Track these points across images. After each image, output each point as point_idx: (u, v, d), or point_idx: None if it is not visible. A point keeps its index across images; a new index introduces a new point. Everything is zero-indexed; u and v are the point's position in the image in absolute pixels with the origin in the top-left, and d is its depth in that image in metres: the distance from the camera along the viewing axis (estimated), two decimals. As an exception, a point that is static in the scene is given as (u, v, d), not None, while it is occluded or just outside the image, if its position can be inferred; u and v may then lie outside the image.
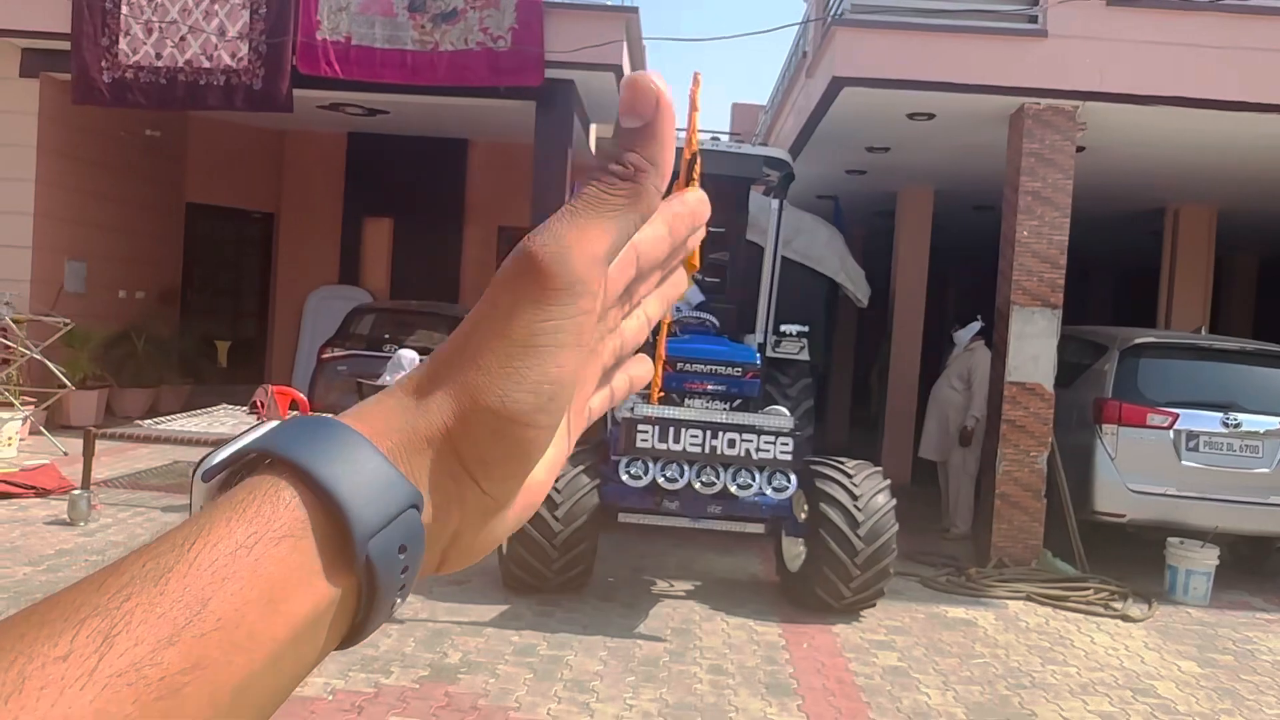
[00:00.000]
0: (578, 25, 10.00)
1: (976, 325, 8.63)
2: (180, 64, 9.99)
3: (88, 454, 7.39)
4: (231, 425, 8.29)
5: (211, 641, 0.36)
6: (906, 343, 11.33)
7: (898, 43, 7.23)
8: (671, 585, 6.37)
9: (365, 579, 0.41)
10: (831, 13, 7.55)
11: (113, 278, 12.17)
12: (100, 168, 11.80)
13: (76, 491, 6.94)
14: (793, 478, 5.44)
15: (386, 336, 10.93)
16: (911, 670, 5.18)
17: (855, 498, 5.53)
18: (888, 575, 5.69)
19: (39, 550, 6.10)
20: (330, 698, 4.24)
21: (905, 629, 5.82)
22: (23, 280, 10.65)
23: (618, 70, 10.21)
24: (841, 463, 5.76)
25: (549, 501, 5.36)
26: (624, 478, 5.41)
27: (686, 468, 5.41)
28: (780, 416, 5.73)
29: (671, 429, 5.35)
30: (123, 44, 10.06)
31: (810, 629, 5.64)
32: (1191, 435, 7.29)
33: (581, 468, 5.52)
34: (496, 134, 13.45)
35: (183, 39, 10.01)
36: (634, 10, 10.05)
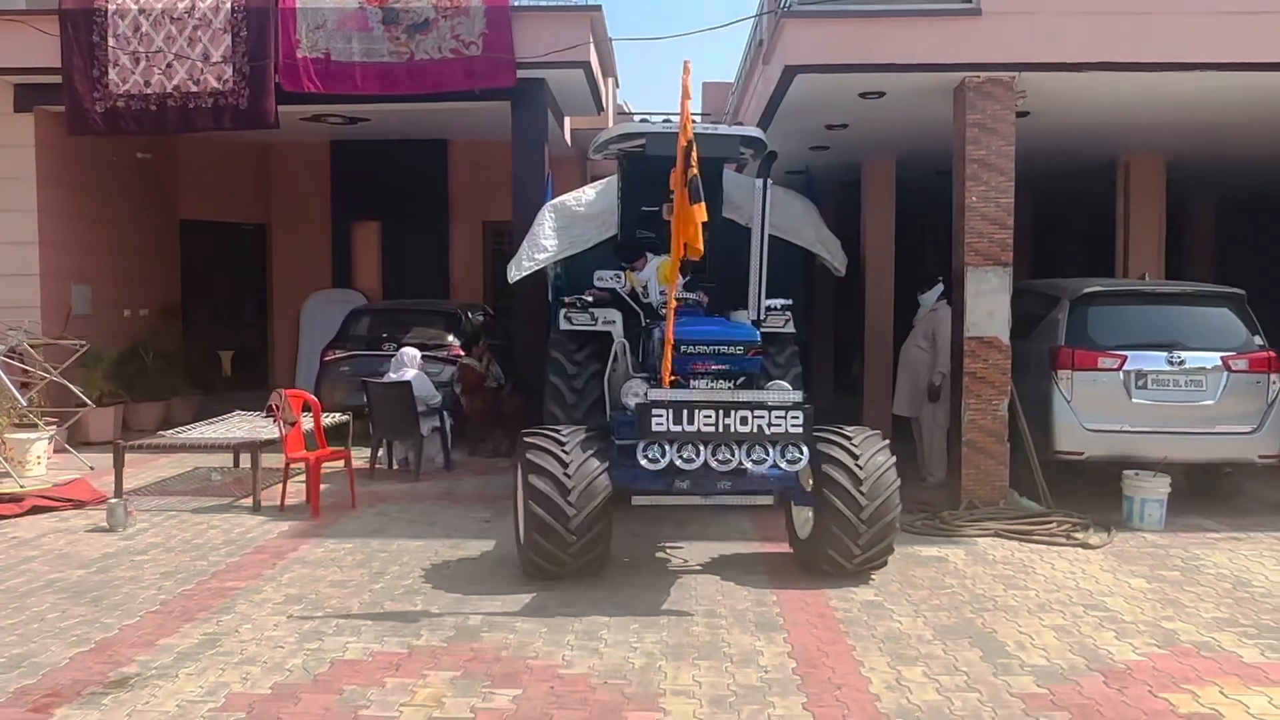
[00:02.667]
0: (545, 26, 10.48)
1: (940, 287, 9.19)
2: (169, 90, 10.45)
3: (118, 466, 7.93)
4: (247, 430, 8.83)
5: None
6: (879, 308, 11.89)
7: (843, 30, 7.74)
8: (670, 549, 6.92)
9: None
10: (781, 4, 8.04)
11: (116, 298, 12.64)
12: (96, 193, 12.26)
13: (113, 500, 7.48)
14: (804, 449, 5.70)
15: (385, 336, 11.45)
16: (886, 603, 5.75)
17: (857, 462, 5.81)
18: (894, 534, 5.97)
19: (87, 555, 6.65)
20: (370, 659, 4.80)
21: (881, 569, 6.36)
22: (33, 306, 11.11)
23: (586, 67, 10.70)
24: (842, 430, 6.05)
25: (560, 487, 5.61)
26: (643, 462, 5.63)
27: (702, 447, 5.63)
28: (786, 391, 6.00)
29: (685, 411, 5.55)
30: (112, 74, 10.51)
31: (798, 580, 6.20)
32: (1140, 375, 7.86)
33: (591, 452, 5.77)
34: (474, 133, 13.92)
35: (169, 66, 10.46)
36: (597, 9, 10.52)
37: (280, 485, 8.21)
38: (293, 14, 10.29)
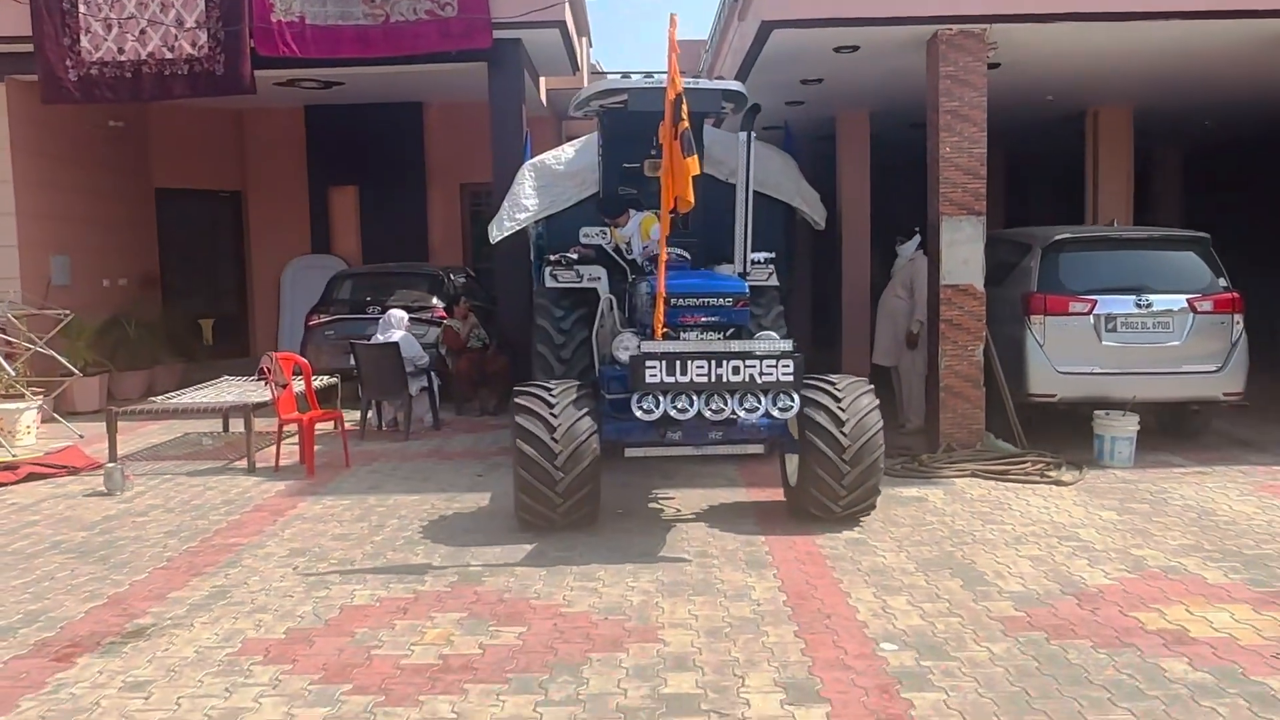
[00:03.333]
0: (520, -15, 10.48)
1: (917, 238, 9.39)
2: (143, 56, 10.41)
3: (112, 432, 8.05)
4: (237, 394, 8.93)
5: None
6: (856, 259, 12.09)
7: (818, -16, 7.86)
8: (661, 499, 7.13)
9: None
10: (756, -40, 8.13)
11: (95, 268, 12.63)
12: (70, 163, 12.21)
13: (110, 465, 7.59)
14: (796, 397, 5.82)
15: (369, 299, 11.53)
16: (869, 540, 5.99)
17: (841, 412, 5.94)
18: (878, 479, 6.10)
19: (88, 518, 6.77)
20: (378, 604, 4.98)
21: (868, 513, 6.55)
22: (12, 278, 11.11)
23: (562, 26, 10.74)
24: (828, 378, 6.19)
25: (548, 451, 5.70)
26: (638, 413, 5.72)
27: (695, 397, 5.74)
28: (775, 340, 6.08)
29: (678, 362, 5.66)
30: (84, 42, 10.45)
31: (786, 523, 6.42)
32: (1110, 318, 8.11)
33: (581, 412, 5.84)
34: (450, 94, 13.92)
35: (143, 32, 10.41)
36: (573, -33, 10.55)
37: (272, 447, 8.35)
38: (266, -23, 10.24)
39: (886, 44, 8.43)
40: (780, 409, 5.78)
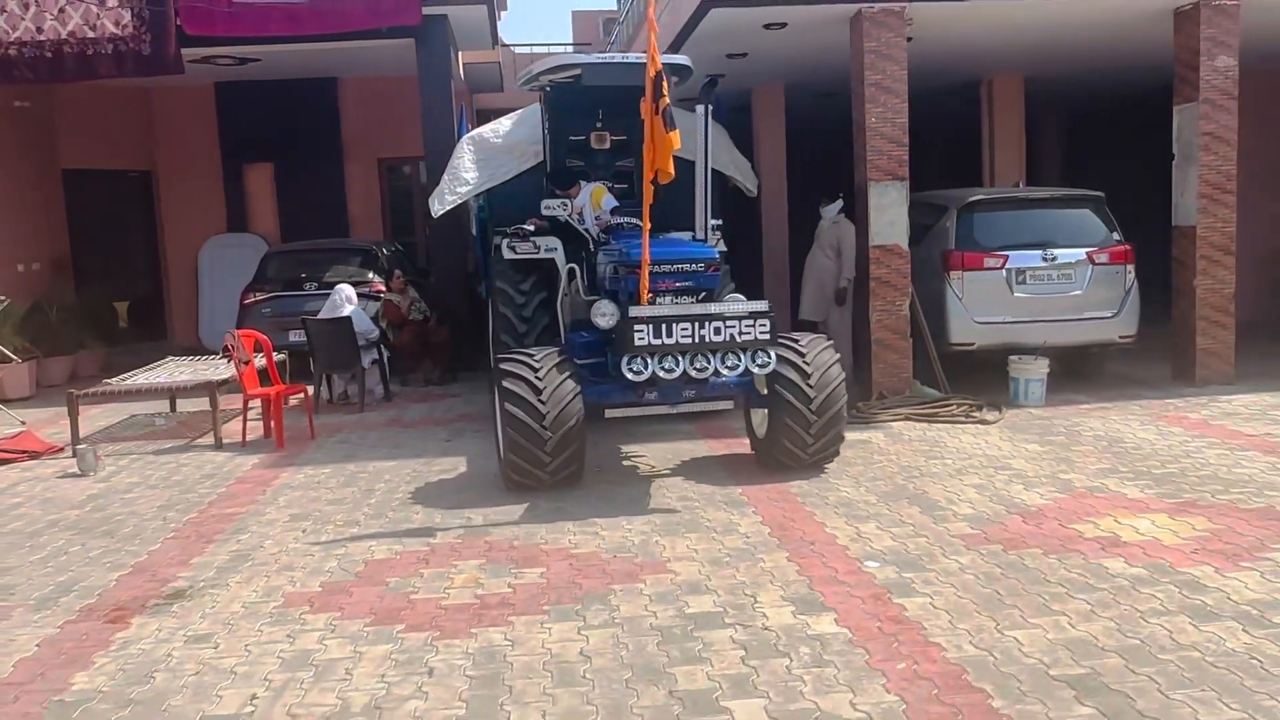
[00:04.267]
0: (447, -38, 10.66)
1: (840, 202, 10.05)
2: (63, 36, 10.25)
3: (73, 414, 8.10)
4: (190, 373, 9.01)
5: None
6: (775, 222, 12.72)
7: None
8: (634, 456, 7.61)
9: None
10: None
11: (8, 253, 12.35)
12: (-23, 145, 11.89)
13: (82, 446, 7.66)
14: (773, 353, 6.23)
15: (303, 275, 11.62)
16: (830, 479, 6.60)
17: (807, 367, 6.42)
18: (841, 431, 6.59)
19: (73, 498, 6.88)
20: (398, 557, 5.34)
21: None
22: (-72, 266, 10.84)
23: (490, 2, 10.98)
24: (793, 338, 6.67)
25: (534, 411, 6.05)
26: (628, 374, 6.09)
27: (680, 358, 6.11)
28: (748, 302, 6.44)
29: (664, 325, 6.04)
30: (0, 22, 10.20)
31: (753, 471, 6.99)
32: (1020, 271, 8.90)
33: (567, 375, 6.22)
34: (365, 70, 13.95)
35: (61, 11, 10.24)
36: (500, -55, 10.79)
37: (232, 423, 8.50)
38: (191, -45, 10.19)
39: (813, 21, 8.99)
40: (759, 365, 6.24)
